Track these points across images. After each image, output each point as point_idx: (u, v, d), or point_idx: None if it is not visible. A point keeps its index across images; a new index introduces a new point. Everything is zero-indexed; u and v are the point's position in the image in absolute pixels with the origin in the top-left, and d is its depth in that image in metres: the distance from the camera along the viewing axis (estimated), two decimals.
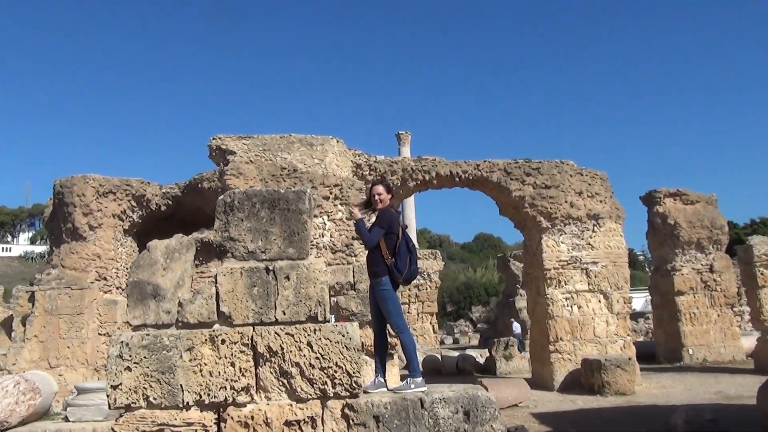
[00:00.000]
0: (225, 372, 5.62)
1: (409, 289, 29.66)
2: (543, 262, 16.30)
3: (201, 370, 5.59)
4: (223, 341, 5.67)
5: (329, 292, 10.58)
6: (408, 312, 28.99)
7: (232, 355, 5.66)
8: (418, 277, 29.41)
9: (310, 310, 5.84)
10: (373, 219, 6.67)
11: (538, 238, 16.70)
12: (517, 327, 28.50)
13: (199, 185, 16.72)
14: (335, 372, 5.68)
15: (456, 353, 23.96)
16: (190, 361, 5.59)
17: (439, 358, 22.41)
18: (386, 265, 6.38)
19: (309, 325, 5.77)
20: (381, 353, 6.77)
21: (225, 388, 5.60)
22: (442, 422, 5.63)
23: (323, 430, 5.62)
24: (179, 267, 6.10)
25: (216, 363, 5.62)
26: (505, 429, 5.83)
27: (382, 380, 6.48)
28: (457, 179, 16.79)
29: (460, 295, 47.48)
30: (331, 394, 5.66)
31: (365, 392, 6.08)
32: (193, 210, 18.65)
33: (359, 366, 5.76)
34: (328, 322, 5.98)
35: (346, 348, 5.74)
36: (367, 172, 16.41)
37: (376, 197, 6.56)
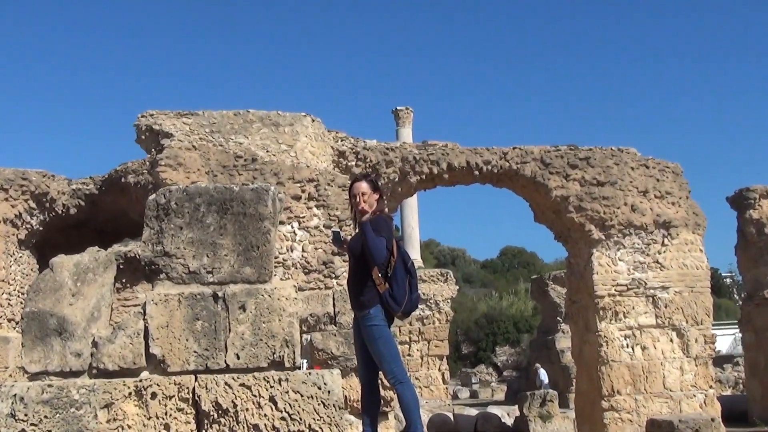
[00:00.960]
0: None
1: (410, 323, 29.69)
2: (594, 287, 16.35)
3: None
4: (153, 395, 5.62)
5: (300, 327, 10.59)
6: (408, 355, 29.03)
7: (166, 414, 5.62)
8: (421, 307, 29.45)
9: (274, 353, 5.80)
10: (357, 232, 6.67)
11: (587, 253, 16.74)
12: (543, 375, 28.87)
13: (123, 180, 16.69)
14: None
15: (474, 411, 23.99)
16: (107, 422, 5.55)
17: (452, 417, 22.44)
18: (377, 292, 6.39)
19: (272, 374, 5.73)
20: (371, 411, 6.76)
21: None
22: None
23: None
24: (94, 293, 6.07)
25: (144, 425, 5.58)
26: None
27: None
28: (476, 172, 16.82)
29: (480, 331, 47.53)
30: None
31: None
32: (113, 214, 18.63)
33: (341, 429, 5.74)
34: (299, 368, 5.95)
35: (324, 405, 5.71)
36: (354, 163, 16.43)
37: (358, 199, 6.54)
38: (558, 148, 17.04)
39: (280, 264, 13.24)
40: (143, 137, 14.88)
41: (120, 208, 18.11)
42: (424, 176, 16.77)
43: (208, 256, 5.93)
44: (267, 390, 5.70)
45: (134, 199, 16.97)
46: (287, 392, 5.70)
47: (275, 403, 5.69)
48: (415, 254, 36.36)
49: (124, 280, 20.07)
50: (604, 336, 16.21)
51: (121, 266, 19.75)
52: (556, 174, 16.69)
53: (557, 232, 17.86)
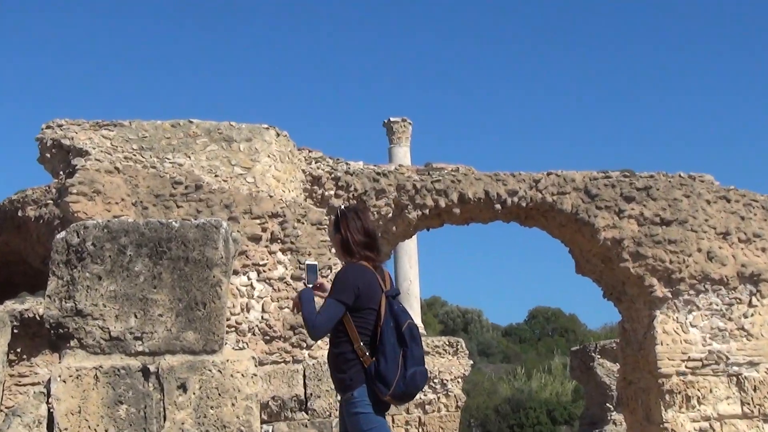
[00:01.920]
0: None
1: (406, 410, 29.53)
2: (657, 363, 16.30)
3: None
4: None
5: (260, 415, 10.54)
6: None
7: None
8: (425, 388, 29.31)
9: None
10: None
11: (647, 317, 16.73)
12: None
13: (19, 213, 16.64)
14: None
15: None
16: None
17: None
18: (362, 366, 6.36)
19: None
20: None
21: None
22: None
23: None
24: None
25: None
26: None
27: None
28: (497, 206, 16.84)
29: (501, 422, 47.33)
30: None
31: None
32: (6, 258, 18.56)
33: None
34: None
35: None
36: (333, 192, 16.43)
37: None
38: (608, 175, 17.09)
39: (233, 329, 13.16)
40: (48, 155, 14.84)
41: (15, 251, 18.04)
42: (427, 211, 16.77)
43: (136, 317, 5.90)
44: None
45: (35, 239, 16.90)
46: None
47: None
48: (414, 317, 36.29)
49: (18, 350, 19.96)
50: (672, 429, 16.12)
51: (15, 330, 19.68)
52: (605, 209, 16.72)
53: (607, 287, 17.83)
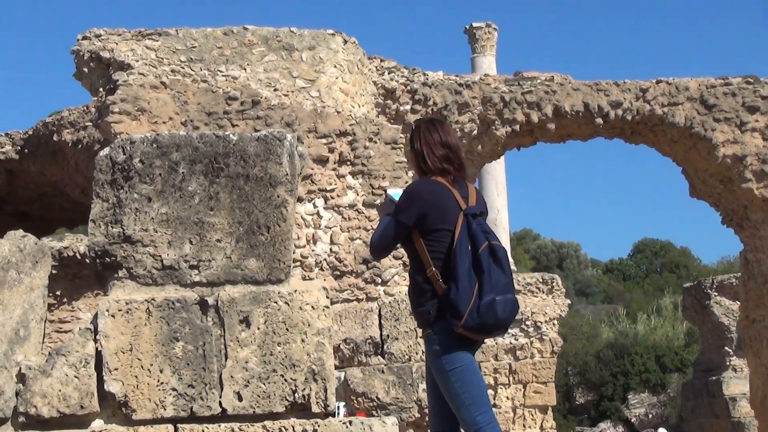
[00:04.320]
0: None
1: (495, 358, 29.65)
2: None
3: None
4: None
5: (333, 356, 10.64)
6: (494, 405, 29.01)
7: None
8: (512, 332, 29.37)
9: (295, 391, 5.81)
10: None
11: None
12: None
13: (56, 137, 16.82)
14: None
15: None
16: None
17: None
18: (435, 295, 6.35)
19: (293, 423, 5.75)
20: None
21: None
22: None
23: None
24: (18, 300, 6.10)
25: None
26: None
27: None
28: (599, 120, 16.68)
29: (603, 369, 47.34)
30: None
31: None
32: (41, 189, 18.81)
33: None
34: (334, 415, 5.93)
35: None
36: (409, 107, 16.38)
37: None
38: (728, 82, 16.84)
39: (298, 263, 13.23)
40: (86, 70, 14.93)
41: (51, 181, 18.26)
42: (517, 127, 16.67)
43: (191, 243, 5.92)
44: None
45: (73, 166, 17.08)
46: None
47: None
48: (503, 241, 36.30)
49: (58, 293, 20.31)
50: None
51: (54, 271, 20.00)
52: (724, 121, 16.50)
53: (726, 212, 17.67)
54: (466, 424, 6.38)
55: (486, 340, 26.57)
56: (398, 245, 6.73)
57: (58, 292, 20.29)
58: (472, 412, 6.30)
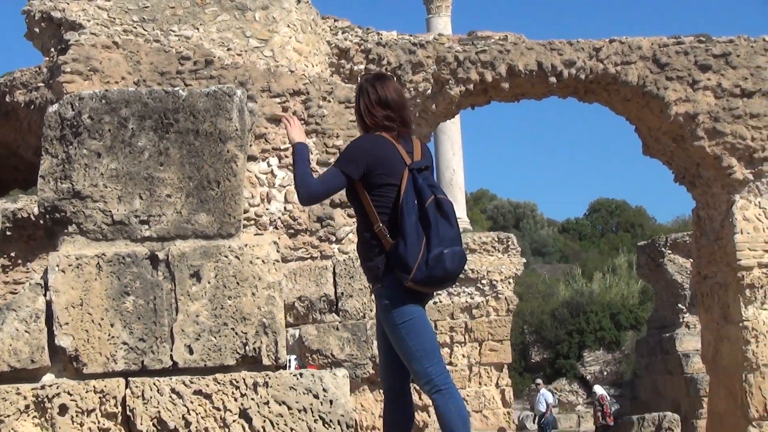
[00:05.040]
0: None
1: (451, 316, 29.76)
2: (736, 254, 16.28)
3: None
4: (63, 409, 5.67)
5: (285, 317, 10.68)
6: (450, 363, 29.15)
7: None
8: (469, 290, 29.48)
9: (246, 344, 5.83)
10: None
11: (725, 203, 16.67)
12: (545, 396, 30.41)
13: (8, 98, 16.69)
14: None
15: None
16: None
17: None
18: (383, 250, 6.39)
19: (244, 375, 5.77)
20: None
21: None
22: None
23: None
24: None
25: None
26: None
27: None
28: (552, 79, 16.72)
29: (559, 328, 47.63)
30: None
31: None
32: None
33: None
34: (285, 367, 5.96)
35: (324, 422, 5.74)
36: (363, 66, 16.33)
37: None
38: (680, 41, 16.90)
39: (252, 222, 13.24)
40: (37, 30, 14.79)
41: (4, 142, 18.15)
42: (471, 86, 16.68)
43: (141, 198, 5.91)
44: (236, 400, 5.73)
45: (26, 127, 16.98)
46: (267, 403, 5.73)
47: (249, 420, 5.71)
48: (459, 212, 36.43)
49: (12, 254, 20.22)
50: (753, 328, 16.17)
51: (8, 232, 19.91)
52: (677, 80, 16.57)
53: (679, 170, 17.76)
54: (418, 376, 6.43)
55: (440, 299, 26.63)
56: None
57: (12, 254, 20.22)
58: (424, 364, 6.36)
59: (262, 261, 5.91)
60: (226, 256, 5.87)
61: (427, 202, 6.31)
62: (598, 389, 33.44)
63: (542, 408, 31.72)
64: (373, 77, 6.85)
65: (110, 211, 5.89)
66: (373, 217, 6.41)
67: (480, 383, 29.66)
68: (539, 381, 33.45)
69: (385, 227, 6.35)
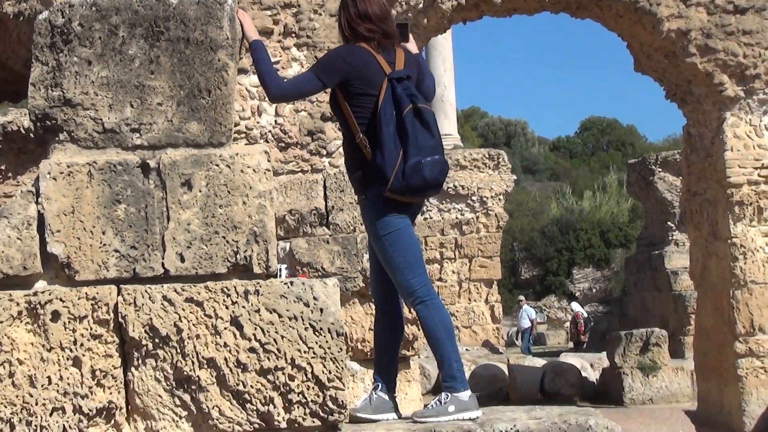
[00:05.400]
0: (62, 378, 5.68)
1: (441, 232, 29.86)
2: (726, 171, 16.30)
3: (12, 374, 5.64)
4: (55, 315, 5.70)
5: (276, 230, 10.72)
6: (439, 279, 29.33)
7: (74, 343, 5.70)
8: (458, 207, 29.56)
9: (237, 252, 5.87)
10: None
11: (716, 120, 16.65)
12: (528, 312, 31.01)
13: None
14: (291, 379, 5.75)
15: (541, 362, 24.31)
16: None
17: (505, 371, 22.76)
18: (365, 162, 6.41)
19: (235, 283, 5.81)
20: (387, 349, 6.85)
21: (63, 410, 5.68)
22: None
23: None
24: None
25: (42, 360, 5.67)
26: None
27: (386, 398, 6.58)
28: None
29: (548, 245, 47.88)
30: (283, 424, 5.74)
31: (354, 420, 6.16)
32: None
33: (341, 368, 5.83)
34: (276, 276, 6.01)
35: (314, 330, 5.78)
36: None
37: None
38: None
39: (243, 135, 13.23)
40: None
41: None
42: (463, 0, 16.58)
43: (132, 106, 5.90)
44: (227, 308, 5.77)
45: (15, 39, 16.83)
46: (258, 311, 5.77)
47: (240, 328, 5.76)
48: (450, 128, 36.37)
49: (3, 167, 20.21)
50: (741, 245, 16.21)
51: None
52: None
53: (670, 87, 17.70)
54: (401, 288, 6.48)
55: (430, 215, 26.63)
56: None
57: (2, 167, 20.19)
58: (407, 276, 6.39)
59: (253, 170, 5.92)
60: (217, 165, 5.88)
61: (405, 111, 6.31)
62: (575, 306, 33.96)
63: (525, 324, 32.10)
64: None
65: (101, 119, 5.89)
66: (354, 128, 6.43)
67: (470, 299, 29.85)
68: (522, 297, 33.89)
69: (366, 138, 6.37)
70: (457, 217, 29.54)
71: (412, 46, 6.99)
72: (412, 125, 6.28)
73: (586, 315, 34.96)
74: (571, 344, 35.79)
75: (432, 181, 6.32)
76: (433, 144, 6.35)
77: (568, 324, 41.84)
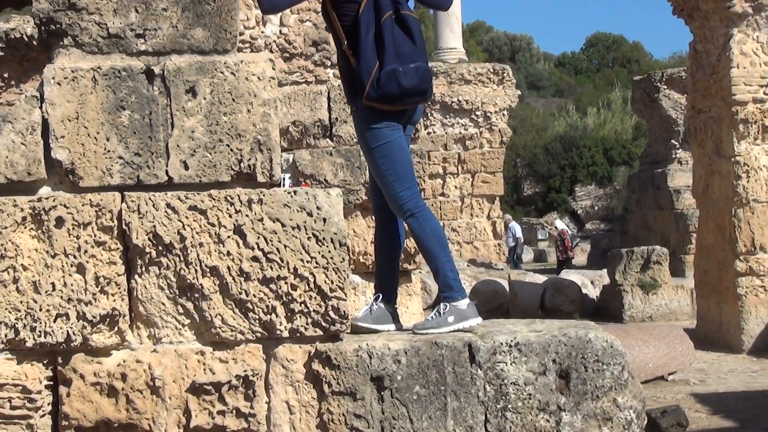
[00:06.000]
0: (66, 284, 5.72)
1: (444, 147, 29.83)
2: (731, 88, 16.26)
3: (16, 280, 5.69)
4: (59, 222, 5.73)
5: (280, 141, 10.71)
6: (441, 194, 29.36)
7: (78, 250, 5.73)
8: (462, 122, 29.47)
9: (241, 161, 5.87)
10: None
11: (722, 36, 16.57)
12: (514, 230, 31.37)
13: None
14: (293, 289, 5.79)
15: (542, 278, 24.40)
16: None
17: (506, 286, 22.86)
18: (352, 69, 6.35)
19: (238, 192, 5.82)
20: (387, 260, 6.86)
21: (66, 316, 5.72)
22: (513, 391, 5.78)
23: (268, 401, 5.79)
24: None
25: (46, 266, 5.70)
26: (644, 410, 6.01)
27: (386, 309, 6.61)
28: None
29: (552, 162, 47.86)
30: (285, 333, 5.79)
31: (355, 331, 6.20)
32: None
33: (343, 278, 5.85)
34: (279, 185, 6.01)
35: (317, 239, 5.81)
36: None
37: None
38: None
39: (247, 45, 13.15)
40: None
41: None
42: None
43: (137, 11, 5.86)
44: (231, 216, 5.80)
45: None
46: (261, 220, 5.80)
47: (243, 236, 5.79)
48: (455, 42, 36.12)
49: (6, 75, 20.13)
50: (744, 163, 16.23)
51: (0, 53, 19.77)
52: None
53: (677, 2, 17.58)
54: (391, 201, 6.43)
55: (434, 129, 26.49)
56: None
57: (5, 75, 20.09)
58: (396, 188, 6.32)
59: (258, 78, 5.90)
60: (221, 72, 5.86)
61: (383, 18, 6.21)
62: (559, 224, 34.14)
63: (511, 242, 32.33)
64: None
65: (106, 24, 5.85)
66: (341, 36, 6.34)
67: (472, 215, 29.92)
68: (508, 216, 34.03)
69: (350, 47, 6.30)
70: (460, 132, 29.51)
71: None
72: (390, 32, 6.18)
73: (570, 232, 35.32)
74: (583, 262, 35.97)
75: (411, 89, 6.20)
76: (411, 51, 6.23)
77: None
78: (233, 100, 5.85)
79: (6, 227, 5.70)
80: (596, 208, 45.77)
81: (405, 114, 6.42)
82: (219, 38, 5.93)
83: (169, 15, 5.89)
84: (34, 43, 15.69)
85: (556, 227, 33.65)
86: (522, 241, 32.61)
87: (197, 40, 5.91)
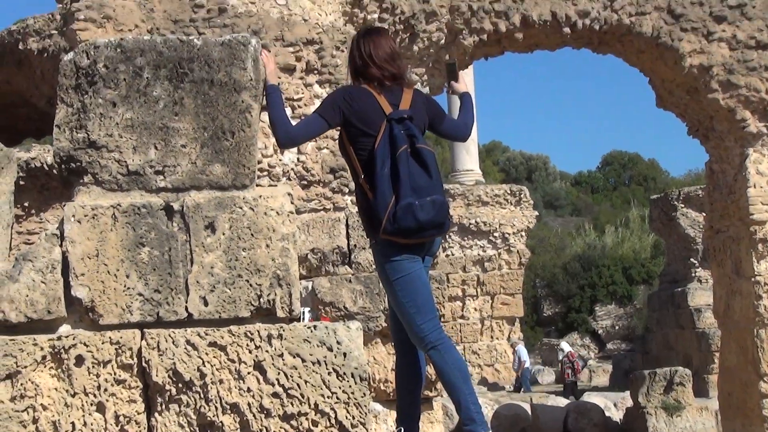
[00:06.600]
0: (86, 423, 5.67)
1: (463, 269, 29.83)
2: (749, 208, 16.26)
3: (35, 420, 5.63)
4: (79, 360, 5.70)
5: (299, 269, 10.70)
6: (462, 317, 29.28)
7: (98, 388, 5.70)
8: (481, 244, 29.51)
9: (260, 296, 5.86)
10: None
11: (739, 156, 16.62)
12: (520, 353, 30.95)
13: (20, 46, 16.66)
14: (314, 425, 5.74)
15: (564, 401, 24.22)
16: (12, 400, 5.63)
17: (528, 410, 22.66)
18: (369, 203, 6.39)
19: (258, 327, 5.80)
20: (409, 392, 6.82)
21: None
22: None
23: None
24: None
25: (66, 405, 5.67)
26: None
27: None
28: (566, 30, 16.62)
29: (571, 282, 47.71)
30: None
31: None
32: (7, 99, 18.66)
33: (364, 414, 5.80)
34: (299, 320, 5.99)
35: (337, 374, 5.77)
36: (377, 15, 16.25)
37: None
38: None
39: (266, 173, 13.23)
40: None
41: (17, 91, 18.12)
42: (485, 36, 16.59)
43: (156, 148, 5.91)
44: (251, 352, 5.76)
45: (39, 76, 16.95)
46: (281, 355, 5.76)
47: (263, 372, 5.75)
48: (471, 164, 36.37)
49: (26, 204, 20.27)
50: (765, 283, 16.14)
51: (21, 182, 19.94)
52: (691, 31, 16.45)
53: (692, 123, 17.69)
54: (412, 334, 6.45)
55: (452, 251, 26.53)
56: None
57: (26, 204, 20.24)
58: (417, 321, 6.36)
59: (277, 212, 5.92)
60: (240, 208, 5.89)
61: (399, 151, 6.29)
62: (566, 346, 33.85)
63: (516, 366, 31.99)
64: (363, 32, 6.85)
65: (125, 162, 5.91)
66: (358, 169, 6.43)
67: (492, 337, 29.83)
68: (515, 339, 33.83)
69: (367, 180, 6.36)
70: (479, 254, 29.53)
71: (461, 84, 7.03)
72: (405, 165, 6.25)
73: (577, 354, 35.18)
74: (606, 383, 35.58)
75: (427, 222, 6.26)
76: (426, 184, 6.29)
77: (591, 361, 41.69)
78: (252, 235, 5.87)
79: (26, 366, 5.68)
80: (617, 327, 45.47)
81: (424, 246, 6.45)
82: (238, 174, 5.97)
83: (188, 151, 5.94)
84: (54, 172, 15.82)
85: (563, 350, 33.36)
86: (527, 365, 32.29)
87: (216, 175, 5.95)
